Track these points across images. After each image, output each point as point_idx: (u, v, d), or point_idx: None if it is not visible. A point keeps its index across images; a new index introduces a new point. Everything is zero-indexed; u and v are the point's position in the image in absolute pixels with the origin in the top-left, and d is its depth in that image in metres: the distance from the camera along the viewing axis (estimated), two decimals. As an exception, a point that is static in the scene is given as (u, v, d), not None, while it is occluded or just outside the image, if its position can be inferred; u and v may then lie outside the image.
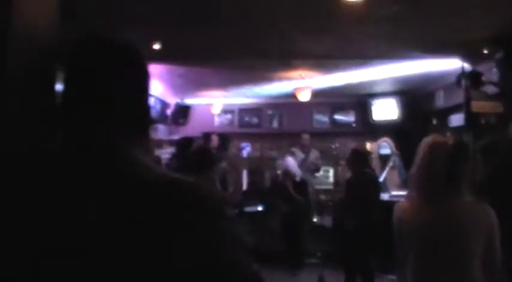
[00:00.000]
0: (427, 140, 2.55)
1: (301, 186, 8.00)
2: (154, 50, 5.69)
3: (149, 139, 1.16)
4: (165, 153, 8.34)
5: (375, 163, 8.65)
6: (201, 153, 4.78)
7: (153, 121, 8.30)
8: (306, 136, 9.26)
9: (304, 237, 7.92)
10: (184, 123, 10.26)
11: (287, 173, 7.96)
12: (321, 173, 9.74)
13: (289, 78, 8.05)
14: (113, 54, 1.10)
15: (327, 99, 10.14)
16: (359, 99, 10.09)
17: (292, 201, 7.75)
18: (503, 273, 2.38)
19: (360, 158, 6.57)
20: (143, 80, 1.14)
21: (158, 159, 7.39)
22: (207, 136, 9.07)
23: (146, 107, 1.15)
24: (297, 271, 7.50)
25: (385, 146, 9.02)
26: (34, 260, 0.92)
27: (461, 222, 2.35)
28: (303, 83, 8.19)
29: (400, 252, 2.54)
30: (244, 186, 10.29)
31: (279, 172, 8.52)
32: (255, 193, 9.27)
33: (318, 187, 9.36)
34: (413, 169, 2.56)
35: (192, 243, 0.95)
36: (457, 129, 7.08)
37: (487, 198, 2.48)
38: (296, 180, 7.97)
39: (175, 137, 9.18)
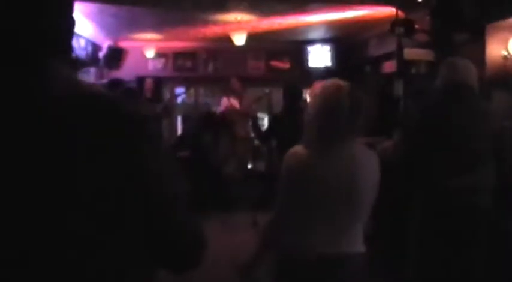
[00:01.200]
0: (325, 85, 2.32)
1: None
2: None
3: (70, 57, 1.10)
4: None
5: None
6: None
7: (84, 62, 8.02)
8: (234, 80, 8.72)
9: (234, 180, 7.98)
10: (116, 67, 9.95)
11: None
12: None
13: (224, 22, 7.91)
14: None
15: (262, 45, 10.07)
16: (294, 46, 10.08)
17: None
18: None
19: (293, 91, 6.45)
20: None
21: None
22: (141, 80, 8.87)
23: (69, 24, 1.07)
24: (229, 215, 7.56)
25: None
26: None
27: (357, 174, 2.24)
28: (239, 27, 8.07)
29: (285, 203, 2.36)
30: (179, 132, 10.21)
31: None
32: (189, 138, 9.18)
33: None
34: (311, 116, 2.36)
35: (128, 158, 0.96)
36: (388, 76, 7.22)
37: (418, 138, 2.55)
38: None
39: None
